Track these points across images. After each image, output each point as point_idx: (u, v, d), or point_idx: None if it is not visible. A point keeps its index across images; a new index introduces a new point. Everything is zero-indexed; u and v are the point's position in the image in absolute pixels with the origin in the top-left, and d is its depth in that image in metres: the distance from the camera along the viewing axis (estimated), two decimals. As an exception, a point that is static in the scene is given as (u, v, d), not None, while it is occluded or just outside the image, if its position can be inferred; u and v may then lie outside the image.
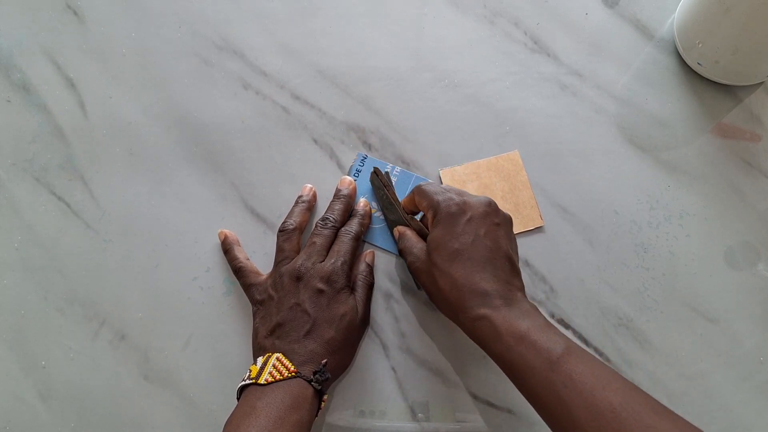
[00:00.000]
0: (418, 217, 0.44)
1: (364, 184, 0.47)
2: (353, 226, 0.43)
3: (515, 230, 0.45)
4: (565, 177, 0.47)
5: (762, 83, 0.49)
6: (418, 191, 0.41)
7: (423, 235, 0.41)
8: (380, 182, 0.45)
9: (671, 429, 0.29)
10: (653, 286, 0.45)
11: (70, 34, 0.51)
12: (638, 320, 0.44)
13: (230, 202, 0.47)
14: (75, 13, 0.51)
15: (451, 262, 0.36)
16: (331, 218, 0.43)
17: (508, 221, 0.40)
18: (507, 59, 0.50)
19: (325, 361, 0.37)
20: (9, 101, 0.49)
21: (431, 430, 0.42)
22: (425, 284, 0.39)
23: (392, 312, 0.44)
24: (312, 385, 0.36)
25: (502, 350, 0.34)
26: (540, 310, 0.39)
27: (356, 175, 0.47)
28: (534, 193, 0.47)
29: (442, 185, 0.42)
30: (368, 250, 0.45)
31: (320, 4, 0.52)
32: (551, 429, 0.33)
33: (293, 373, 0.36)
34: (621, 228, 0.46)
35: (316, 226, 0.43)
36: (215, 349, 0.43)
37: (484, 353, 0.43)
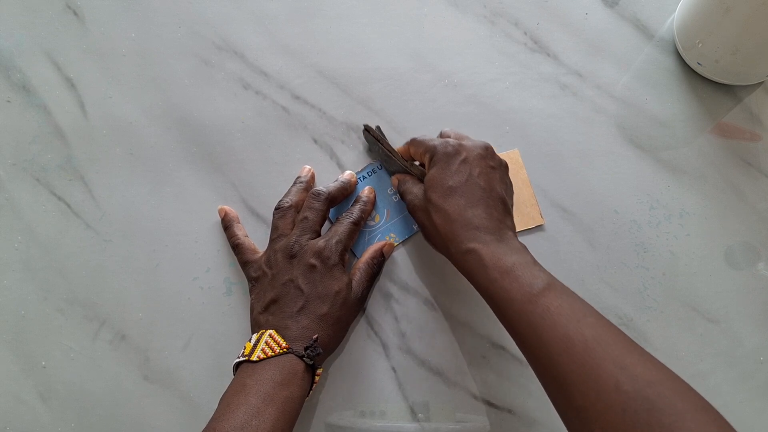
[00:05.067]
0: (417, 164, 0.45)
1: (372, 183, 0.47)
2: (354, 211, 0.44)
3: (516, 228, 0.45)
4: (565, 177, 0.47)
5: (762, 83, 0.49)
6: (413, 142, 0.43)
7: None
8: (372, 137, 0.45)
9: (639, 362, 0.29)
10: (653, 285, 0.45)
11: (70, 35, 0.51)
12: (638, 320, 0.44)
13: (230, 202, 0.47)
14: (75, 14, 0.51)
15: (445, 198, 0.38)
16: (324, 191, 0.43)
17: (503, 166, 0.41)
18: (507, 59, 0.50)
19: (316, 336, 0.38)
20: (9, 101, 0.49)
21: (431, 430, 0.42)
22: (421, 221, 0.40)
23: (392, 312, 0.44)
24: (303, 361, 0.37)
25: (487, 282, 0.35)
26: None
27: (369, 174, 0.47)
28: (534, 192, 0.47)
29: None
30: (387, 242, 0.45)
31: (320, 5, 0.52)
32: (527, 360, 0.34)
33: (285, 349, 0.37)
34: (621, 228, 0.46)
35: (308, 198, 0.43)
36: (215, 349, 0.43)
37: (483, 353, 0.43)
